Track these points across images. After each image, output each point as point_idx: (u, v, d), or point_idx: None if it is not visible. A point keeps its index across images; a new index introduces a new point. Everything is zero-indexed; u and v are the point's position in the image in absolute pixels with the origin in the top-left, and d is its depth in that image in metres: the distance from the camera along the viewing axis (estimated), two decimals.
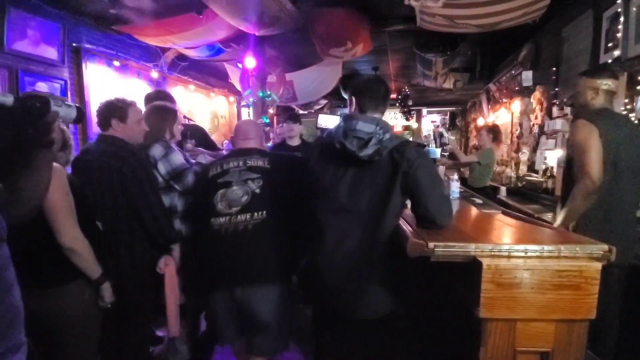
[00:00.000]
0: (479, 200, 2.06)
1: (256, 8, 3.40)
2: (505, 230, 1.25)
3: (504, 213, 1.62)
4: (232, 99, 7.40)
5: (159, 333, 2.43)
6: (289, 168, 1.76)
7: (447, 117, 9.18)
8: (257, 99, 5.01)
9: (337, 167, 1.38)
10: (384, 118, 1.43)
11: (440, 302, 1.40)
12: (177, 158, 1.94)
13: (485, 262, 1.00)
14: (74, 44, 3.98)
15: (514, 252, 1.03)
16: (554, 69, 4.03)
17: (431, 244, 1.06)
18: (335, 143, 1.33)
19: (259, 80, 4.98)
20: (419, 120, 9.71)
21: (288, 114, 3.39)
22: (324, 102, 8.43)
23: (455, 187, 2.25)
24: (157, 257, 1.82)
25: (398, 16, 4.16)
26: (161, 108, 2.08)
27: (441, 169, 4.47)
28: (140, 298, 1.83)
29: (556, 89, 4.00)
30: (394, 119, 10.00)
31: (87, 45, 4.12)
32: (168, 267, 1.83)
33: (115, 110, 1.74)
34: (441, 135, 3.50)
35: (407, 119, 8.88)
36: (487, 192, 3.75)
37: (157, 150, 1.92)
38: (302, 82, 6.23)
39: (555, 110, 3.96)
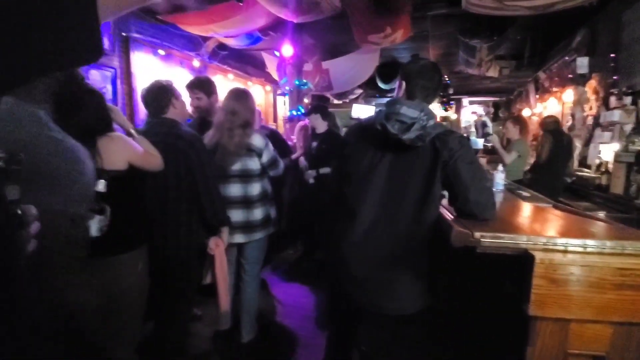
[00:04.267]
0: (525, 193, 1.94)
1: None
2: (559, 224, 1.16)
3: (555, 207, 1.52)
4: (268, 87, 7.47)
5: (196, 311, 2.55)
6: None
7: (490, 107, 8.71)
8: (293, 88, 5.02)
9: (375, 151, 1.32)
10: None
11: (485, 296, 1.34)
12: (272, 148, 2.14)
13: (539, 255, 0.93)
14: (123, 34, 4.16)
15: (571, 247, 0.95)
16: (613, 55, 3.70)
17: (477, 234, 1.00)
18: (376, 125, 1.27)
19: (296, 68, 4.98)
20: (458, 110, 9.31)
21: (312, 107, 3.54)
22: (359, 91, 8.30)
23: (499, 179, 2.14)
24: (205, 239, 1.89)
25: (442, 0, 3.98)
26: (249, 95, 2.14)
27: (482, 161, 4.29)
28: (190, 277, 1.92)
29: (615, 77, 3.68)
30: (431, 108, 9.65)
31: (135, 35, 4.29)
32: (218, 247, 1.91)
33: (171, 90, 1.79)
34: (484, 125, 3.31)
35: (446, 109, 8.52)
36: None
37: (259, 141, 2.05)
38: (338, 71, 6.15)
39: (612, 100, 3.65)
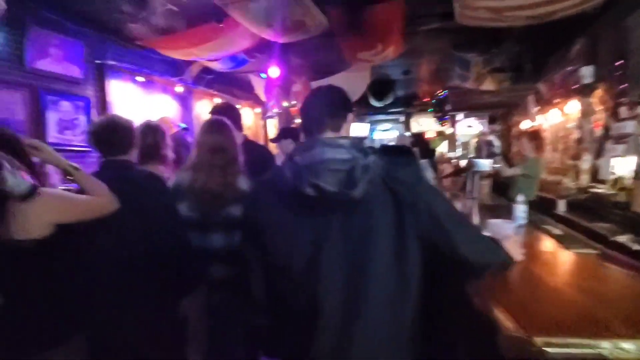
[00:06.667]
0: (556, 231, 1.62)
1: (278, 12, 3.15)
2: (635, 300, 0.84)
3: (604, 257, 1.20)
4: (257, 110, 7.23)
5: None
6: None
7: (487, 121, 8.49)
8: (281, 110, 4.77)
9: (314, 226, 0.92)
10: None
11: None
12: None
13: None
14: (97, 61, 3.90)
15: None
16: (619, 63, 3.47)
17: (539, 340, 0.67)
18: (303, 189, 0.89)
19: (283, 89, 4.75)
20: (453, 125, 9.10)
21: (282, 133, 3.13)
22: None
23: (520, 212, 1.83)
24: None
25: (434, 13, 3.78)
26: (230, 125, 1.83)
27: (486, 183, 4.00)
28: None
29: (623, 86, 3.44)
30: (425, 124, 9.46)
31: (111, 62, 4.04)
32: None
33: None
34: (489, 143, 3.04)
35: (442, 124, 8.32)
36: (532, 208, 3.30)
37: (246, 185, 1.69)
38: None
39: (623, 111, 3.40)
